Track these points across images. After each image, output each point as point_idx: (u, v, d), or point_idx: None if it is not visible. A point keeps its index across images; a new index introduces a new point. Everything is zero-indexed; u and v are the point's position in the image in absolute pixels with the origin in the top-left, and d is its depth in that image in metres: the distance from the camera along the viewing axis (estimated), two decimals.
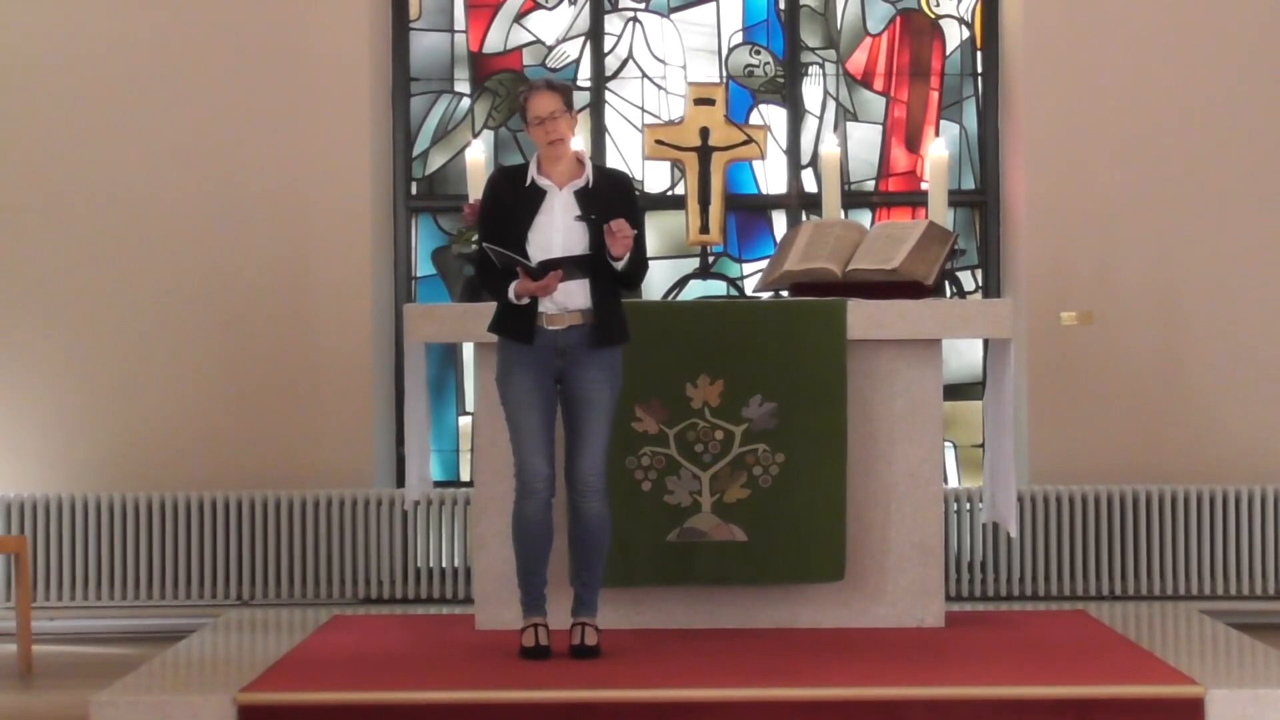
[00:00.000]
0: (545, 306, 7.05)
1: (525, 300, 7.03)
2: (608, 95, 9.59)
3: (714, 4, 9.66)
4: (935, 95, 9.61)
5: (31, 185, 9.23)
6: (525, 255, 7.00)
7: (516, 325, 7.07)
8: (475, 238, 7.48)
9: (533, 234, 7.05)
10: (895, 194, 9.61)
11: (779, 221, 9.57)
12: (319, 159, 9.22)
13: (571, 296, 7.05)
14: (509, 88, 9.60)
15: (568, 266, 6.96)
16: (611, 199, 7.12)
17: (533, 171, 7.15)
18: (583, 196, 7.10)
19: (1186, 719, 6.39)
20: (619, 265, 7.00)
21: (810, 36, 9.60)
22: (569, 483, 7.12)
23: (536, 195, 7.10)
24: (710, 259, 9.21)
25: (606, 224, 6.96)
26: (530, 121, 7.09)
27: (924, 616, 7.83)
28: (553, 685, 6.57)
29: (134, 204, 9.22)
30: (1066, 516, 9.06)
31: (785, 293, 8.10)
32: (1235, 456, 9.15)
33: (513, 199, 7.10)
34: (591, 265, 7.00)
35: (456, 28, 9.64)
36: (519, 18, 9.63)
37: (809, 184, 9.45)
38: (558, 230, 7.05)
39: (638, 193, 9.41)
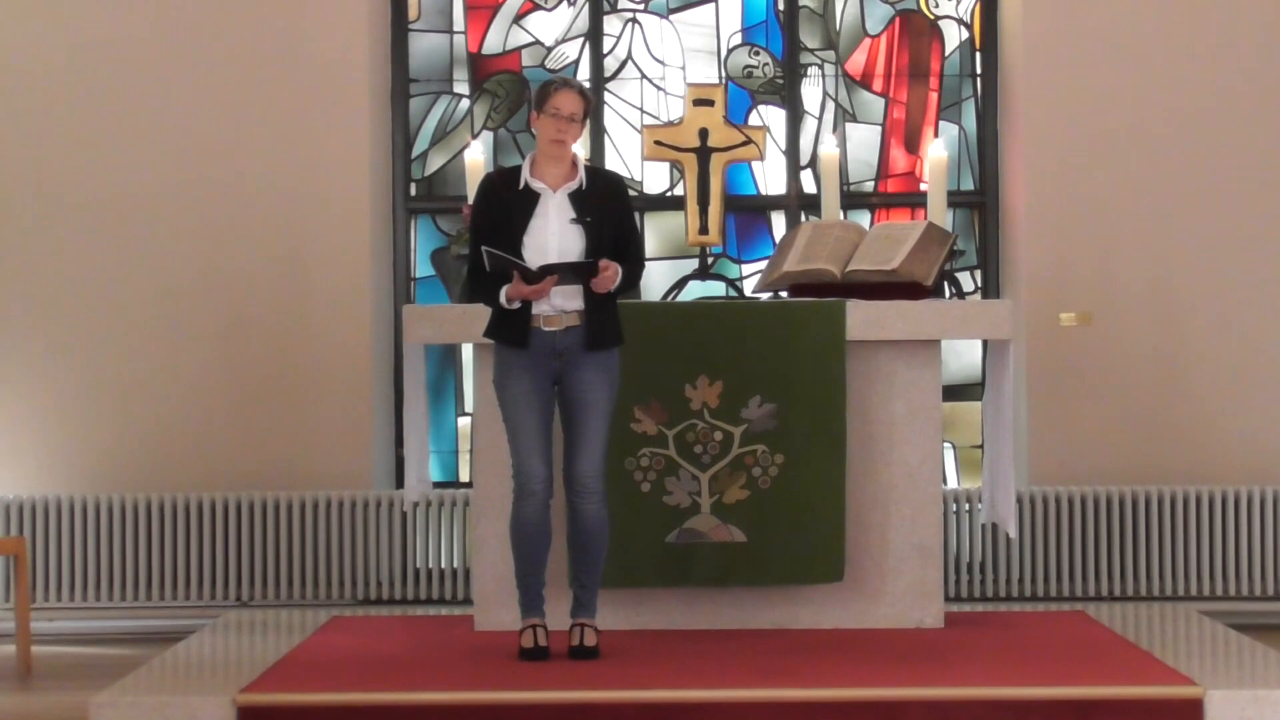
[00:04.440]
0: (541, 309, 7.03)
1: (517, 304, 7.02)
2: (607, 96, 9.59)
3: (713, 5, 9.66)
4: (934, 96, 9.61)
5: (30, 186, 9.23)
6: (520, 259, 6.99)
7: (511, 330, 7.06)
8: (466, 241, 7.46)
9: (528, 238, 7.03)
10: (894, 195, 9.61)
11: (778, 222, 9.58)
12: (318, 160, 9.22)
13: (568, 298, 7.03)
14: (508, 88, 9.61)
15: (565, 272, 6.95)
16: (606, 200, 7.11)
17: (526, 174, 7.12)
18: (577, 199, 7.09)
19: None
20: (611, 289, 7.02)
21: (809, 37, 9.60)
22: (567, 484, 7.11)
23: (530, 198, 7.08)
24: (709, 260, 9.19)
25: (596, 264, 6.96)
26: (546, 110, 7.03)
27: (923, 617, 7.83)
28: (551, 686, 6.57)
29: (133, 205, 9.22)
30: (1066, 517, 9.06)
31: (784, 294, 8.10)
32: (1234, 457, 9.15)
33: (507, 202, 7.09)
34: (590, 272, 6.98)
35: (455, 29, 9.64)
36: (518, 19, 9.63)
37: (808, 185, 9.45)
38: (553, 233, 7.04)
39: (635, 194, 9.45)
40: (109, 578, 9.09)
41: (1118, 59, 9.21)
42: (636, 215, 9.19)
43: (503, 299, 7.00)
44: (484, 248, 6.96)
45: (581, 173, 7.13)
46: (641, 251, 7.28)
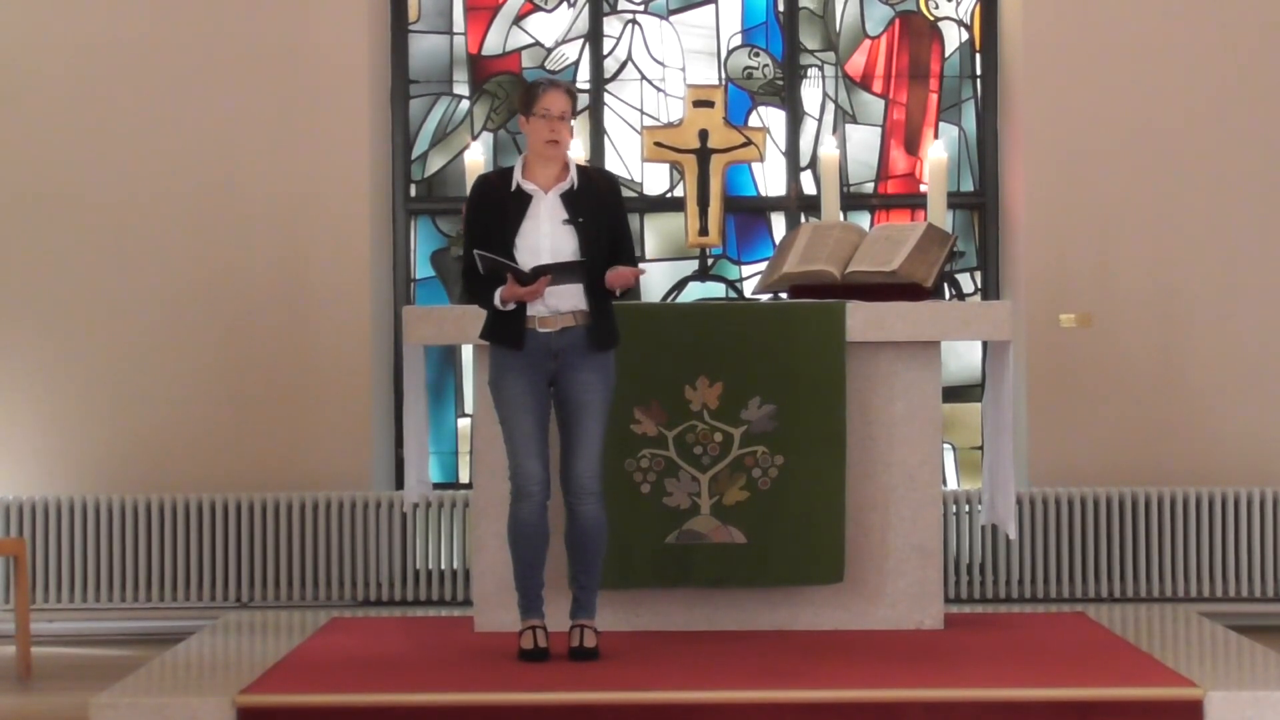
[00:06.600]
0: (536, 309, 7.03)
1: (511, 306, 7.02)
2: (607, 97, 9.59)
3: (713, 6, 9.66)
4: (934, 97, 9.61)
5: (30, 187, 9.23)
6: (513, 260, 6.99)
7: (506, 331, 7.06)
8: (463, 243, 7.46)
9: (520, 239, 7.03)
10: (894, 196, 9.61)
11: (778, 224, 9.57)
12: (318, 161, 9.23)
13: (563, 299, 7.03)
14: (508, 89, 9.61)
15: (558, 272, 6.95)
16: (599, 198, 7.11)
17: (518, 175, 7.12)
18: (569, 199, 7.09)
19: None
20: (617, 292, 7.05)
21: (809, 39, 9.60)
22: (564, 485, 7.11)
23: (523, 200, 7.08)
24: (709, 261, 9.20)
25: (609, 272, 6.98)
26: (536, 112, 7.05)
27: (923, 619, 7.83)
28: (551, 687, 6.58)
29: (133, 207, 9.22)
30: (1065, 518, 9.06)
31: (784, 295, 8.10)
32: (1234, 458, 9.15)
33: (500, 204, 7.09)
34: (583, 270, 6.98)
35: (455, 30, 9.64)
36: (518, 20, 9.64)
37: (808, 186, 9.45)
38: (545, 235, 7.04)
39: (635, 195, 9.45)
40: (109, 578, 9.09)
41: (1118, 59, 9.21)
42: (634, 216, 9.24)
43: (497, 301, 7.00)
44: (476, 251, 6.97)
45: (573, 173, 7.13)
46: (633, 249, 7.25)
